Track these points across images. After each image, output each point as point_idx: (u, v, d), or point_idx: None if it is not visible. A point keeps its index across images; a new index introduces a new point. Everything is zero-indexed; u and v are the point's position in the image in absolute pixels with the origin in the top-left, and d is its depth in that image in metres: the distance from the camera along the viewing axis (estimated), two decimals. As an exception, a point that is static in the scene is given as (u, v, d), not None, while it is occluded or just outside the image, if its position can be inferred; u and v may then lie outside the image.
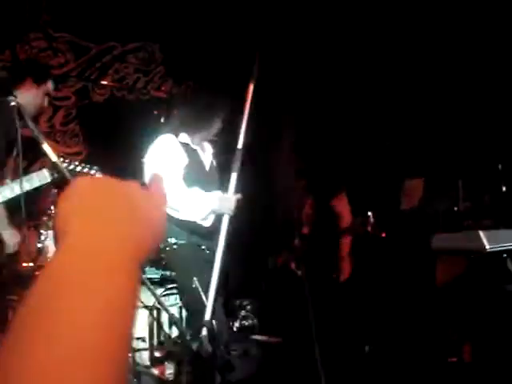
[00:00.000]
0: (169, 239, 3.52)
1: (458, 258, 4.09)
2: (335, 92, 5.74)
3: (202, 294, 3.06)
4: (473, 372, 3.77)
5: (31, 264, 3.99)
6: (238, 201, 3.49)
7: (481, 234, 3.63)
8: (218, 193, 3.52)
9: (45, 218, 4.07)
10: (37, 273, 3.98)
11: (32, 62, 4.38)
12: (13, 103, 2.15)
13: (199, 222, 3.56)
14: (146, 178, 3.53)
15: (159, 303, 2.77)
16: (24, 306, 0.50)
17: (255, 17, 5.49)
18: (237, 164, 3.40)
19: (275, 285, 5.36)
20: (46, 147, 2.17)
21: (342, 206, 4.95)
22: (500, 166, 4.46)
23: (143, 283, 2.30)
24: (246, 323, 5.28)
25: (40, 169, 3.43)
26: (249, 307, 5.38)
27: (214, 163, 3.86)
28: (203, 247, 3.57)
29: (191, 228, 3.57)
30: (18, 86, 3.50)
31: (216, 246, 3.28)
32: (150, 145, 3.59)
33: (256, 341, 5.07)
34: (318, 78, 5.81)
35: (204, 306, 3.05)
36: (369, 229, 4.78)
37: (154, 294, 2.47)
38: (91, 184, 0.64)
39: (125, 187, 0.65)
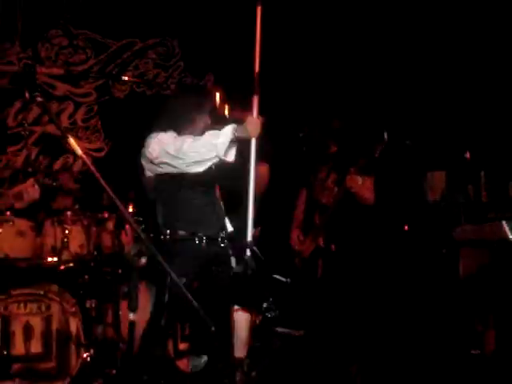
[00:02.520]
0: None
1: (481, 249, 4.08)
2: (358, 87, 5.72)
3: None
4: (495, 363, 3.75)
5: (55, 259, 4.04)
6: (264, 123, 3.45)
7: (504, 224, 3.62)
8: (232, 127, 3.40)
9: (68, 213, 4.11)
10: (62, 267, 4.04)
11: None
12: (39, 99, 2.16)
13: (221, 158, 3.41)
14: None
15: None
16: None
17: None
18: (257, 87, 3.43)
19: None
20: (72, 142, 2.18)
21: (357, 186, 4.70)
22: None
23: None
24: (269, 315, 5.27)
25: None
26: (271, 299, 5.35)
27: None
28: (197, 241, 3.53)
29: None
30: None
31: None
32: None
33: (278, 333, 5.07)
34: (336, 69, 5.80)
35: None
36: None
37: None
38: None
39: None
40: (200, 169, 3.41)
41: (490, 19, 5.13)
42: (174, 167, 3.44)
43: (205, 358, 4.12)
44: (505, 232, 3.61)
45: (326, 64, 5.86)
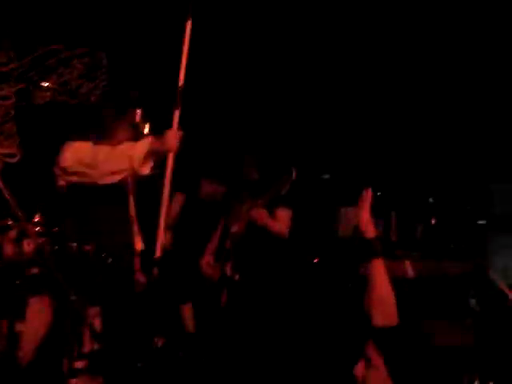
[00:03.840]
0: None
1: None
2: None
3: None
4: None
5: None
6: (183, 137, 3.43)
7: (407, 263, 3.73)
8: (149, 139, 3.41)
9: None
10: None
11: None
12: None
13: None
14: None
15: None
16: None
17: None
18: (179, 101, 3.42)
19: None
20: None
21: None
22: (431, 200, 4.58)
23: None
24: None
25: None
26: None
27: None
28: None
29: None
30: None
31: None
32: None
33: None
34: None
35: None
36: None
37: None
38: None
39: None
40: (114, 179, 3.35)
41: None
42: (88, 177, 3.37)
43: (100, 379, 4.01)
44: (406, 270, 3.71)
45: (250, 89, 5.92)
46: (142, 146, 3.32)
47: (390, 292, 2.27)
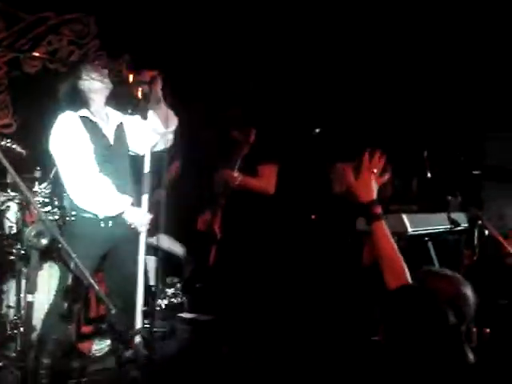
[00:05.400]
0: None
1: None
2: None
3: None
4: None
5: None
6: (151, 219, 3.55)
7: (404, 217, 3.78)
8: (130, 202, 3.51)
9: None
10: None
11: None
12: None
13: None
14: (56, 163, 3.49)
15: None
16: None
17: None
18: (147, 186, 3.53)
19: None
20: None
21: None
22: (425, 153, 4.61)
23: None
24: (175, 301, 5.30)
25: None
26: (178, 285, 5.39)
27: (125, 131, 3.73)
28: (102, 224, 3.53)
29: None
30: None
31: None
32: (51, 126, 3.50)
33: (184, 319, 5.09)
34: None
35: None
36: None
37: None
38: None
39: None
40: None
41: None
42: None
43: (108, 342, 4.11)
44: (404, 224, 3.76)
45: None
46: (117, 209, 3.44)
47: (395, 253, 2.26)
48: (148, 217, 3.54)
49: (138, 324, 3.48)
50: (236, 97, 5.04)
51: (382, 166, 2.42)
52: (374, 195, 2.36)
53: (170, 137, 3.86)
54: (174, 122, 3.81)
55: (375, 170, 2.39)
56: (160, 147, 3.81)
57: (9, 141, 3.96)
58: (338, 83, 5.69)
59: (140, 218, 3.51)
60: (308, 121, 5.60)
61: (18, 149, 4.07)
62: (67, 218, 3.50)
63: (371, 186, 2.36)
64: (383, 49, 5.53)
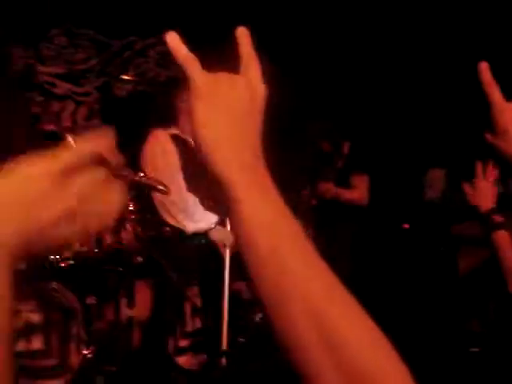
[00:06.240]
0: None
1: (480, 247, 4.09)
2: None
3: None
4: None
5: (57, 256, 4.05)
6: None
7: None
8: (215, 220, 3.57)
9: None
10: (62, 264, 4.05)
11: None
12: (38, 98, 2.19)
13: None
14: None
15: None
16: None
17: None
18: None
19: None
20: (71, 140, 2.20)
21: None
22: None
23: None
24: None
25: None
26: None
27: None
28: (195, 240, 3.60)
29: None
30: None
31: None
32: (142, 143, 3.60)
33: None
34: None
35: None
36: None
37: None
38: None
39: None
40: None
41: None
42: None
43: (204, 356, 4.15)
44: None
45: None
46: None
47: None
48: (232, 235, 3.57)
49: (227, 338, 3.50)
50: (326, 110, 5.06)
51: (495, 175, 2.36)
52: (493, 203, 2.30)
53: None
54: None
55: (491, 179, 2.34)
56: None
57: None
58: (426, 95, 5.57)
59: (224, 235, 3.54)
60: (397, 130, 5.52)
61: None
62: (162, 235, 3.57)
63: (489, 194, 2.30)
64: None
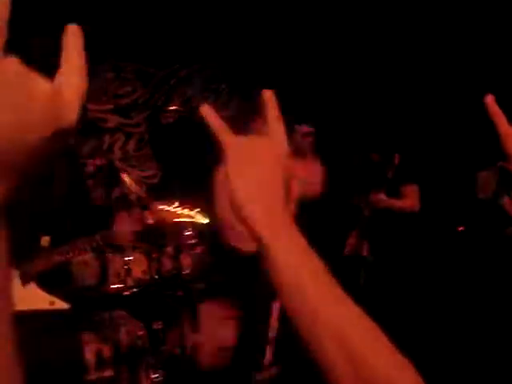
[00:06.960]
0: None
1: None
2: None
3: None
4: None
5: (120, 285, 4.19)
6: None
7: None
8: None
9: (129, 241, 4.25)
10: (126, 293, 4.20)
11: None
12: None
13: None
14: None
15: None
16: None
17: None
18: None
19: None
20: (125, 176, 2.31)
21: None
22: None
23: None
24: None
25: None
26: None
27: None
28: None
29: None
30: None
31: None
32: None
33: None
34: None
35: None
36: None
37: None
38: None
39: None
40: None
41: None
42: None
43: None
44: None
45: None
46: None
47: None
48: None
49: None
50: (376, 123, 5.16)
51: None
52: None
53: (316, 187, 3.98)
54: (318, 172, 3.95)
55: None
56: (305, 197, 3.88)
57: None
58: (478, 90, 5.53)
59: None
60: (444, 135, 5.51)
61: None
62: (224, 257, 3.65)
63: None
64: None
